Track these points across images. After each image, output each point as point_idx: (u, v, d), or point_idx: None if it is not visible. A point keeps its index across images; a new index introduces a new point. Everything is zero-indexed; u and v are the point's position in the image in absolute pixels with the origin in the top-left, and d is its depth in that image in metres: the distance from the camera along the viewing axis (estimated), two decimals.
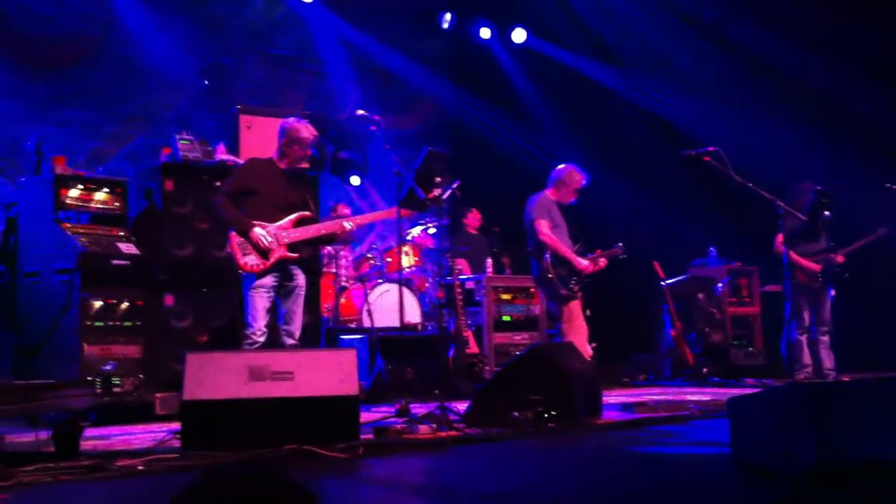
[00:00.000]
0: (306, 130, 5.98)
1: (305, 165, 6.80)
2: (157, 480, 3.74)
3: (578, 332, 6.98)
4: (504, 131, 11.89)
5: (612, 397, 6.69)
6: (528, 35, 11.95)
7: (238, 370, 4.47)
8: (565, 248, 7.04)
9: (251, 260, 5.76)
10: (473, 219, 9.59)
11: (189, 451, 4.20)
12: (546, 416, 4.99)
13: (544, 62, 12.00)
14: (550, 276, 6.94)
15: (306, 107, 10.39)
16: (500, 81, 12.21)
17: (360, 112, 6.34)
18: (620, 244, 7.36)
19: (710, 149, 6.73)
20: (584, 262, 7.04)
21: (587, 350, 6.95)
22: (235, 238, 5.78)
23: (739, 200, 8.20)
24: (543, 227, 7.04)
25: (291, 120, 6.08)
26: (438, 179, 6.01)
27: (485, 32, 11.98)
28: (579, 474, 3.81)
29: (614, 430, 5.14)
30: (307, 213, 6.00)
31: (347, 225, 6.13)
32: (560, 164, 7.44)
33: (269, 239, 5.75)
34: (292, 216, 5.90)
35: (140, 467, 3.87)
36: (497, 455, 4.40)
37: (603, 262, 7.21)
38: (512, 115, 12.10)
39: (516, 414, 4.97)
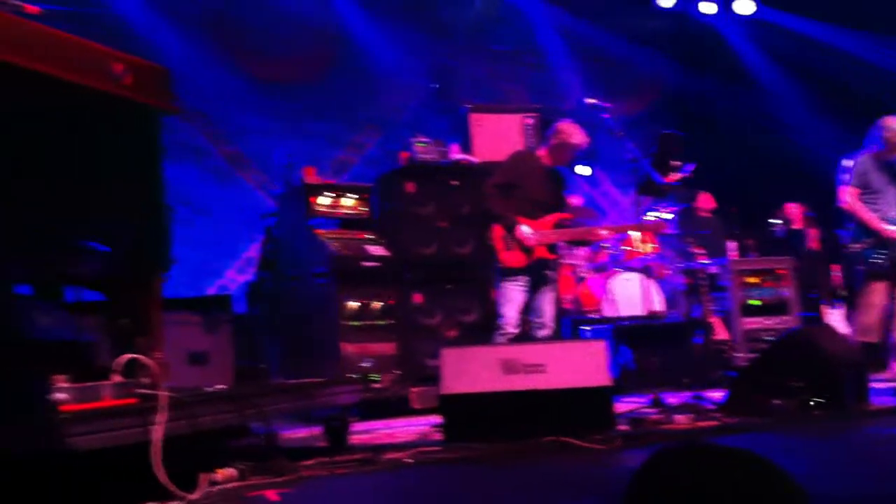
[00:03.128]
0: (579, 136, 5.95)
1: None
2: (425, 472, 3.87)
3: (866, 313, 6.53)
4: (735, 108, 11.42)
5: (878, 382, 6.25)
6: (757, 5, 11.41)
7: (491, 364, 4.57)
8: (869, 215, 6.50)
9: (513, 255, 5.84)
10: (705, 202, 9.27)
11: (452, 444, 4.32)
12: (811, 403, 4.74)
13: (776, 32, 11.42)
14: (854, 247, 6.54)
15: (529, 100, 10.47)
16: (727, 56, 11.76)
17: (590, 100, 6.27)
18: None
19: None
20: (890, 229, 6.56)
21: (873, 333, 6.47)
22: (499, 232, 5.87)
23: None
24: (846, 194, 6.58)
25: (566, 122, 6.04)
26: (676, 163, 5.85)
27: (707, 7, 11.56)
28: (866, 465, 3.56)
29: (890, 416, 4.79)
30: (567, 215, 6.01)
31: (603, 232, 6.14)
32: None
33: (535, 237, 5.81)
34: (553, 216, 5.92)
35: (408, 460, 4.02)
36: (762, 445, 4.19)
37: None
38: (743, 90, 11.60)
39: (778, 402, 4.76)
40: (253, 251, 8.56)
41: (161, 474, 3.04)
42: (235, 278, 8.85)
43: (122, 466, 3.09)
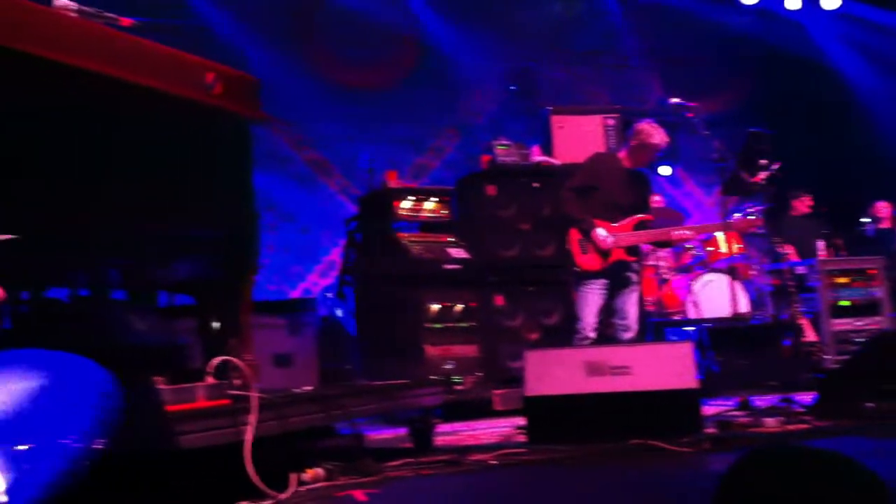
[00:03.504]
0: (658, 136, 5.83)
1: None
2: (511, 473, 3.88)
3: None
4: (822, 105, 11.15)
5: None
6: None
7: (576, 365, 4.55)
8: None
9: (589, 259, 5.79)
10: (803, 203, 9.05)
11: (536, 445, 4.32)
12: None
13: (864, 26, 11.13)
14: None
15: (610, 101, 10.38)
16: (813, 52, 11.50)
17: (675, 100, 6.19)
18: None
19: None
20: None
21: None
22: (576, 235, 5.83)
23: None
24: None
25: (645, 123, 5.93)
26: (763, 162, 5.74)
27: (792, 3, 11.31)
28: None
29: None
30: (648, 216, 5.93)
31: (686, 233, 6.02)
32: None
33: (612, 240, 5.74)
34: (632, 218, 5.85)
35: (493, 461, 4.03)
36: (854, 448, 4.08)
37: None
38: (829, 86, 11.33)
39: (870, 404, 4.63)
40: (335, 254, 8.70)
41: (253, 474, 3.10)
42: (318, 281, 9.00)
43: (214, 466, 3.17)
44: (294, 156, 9.29)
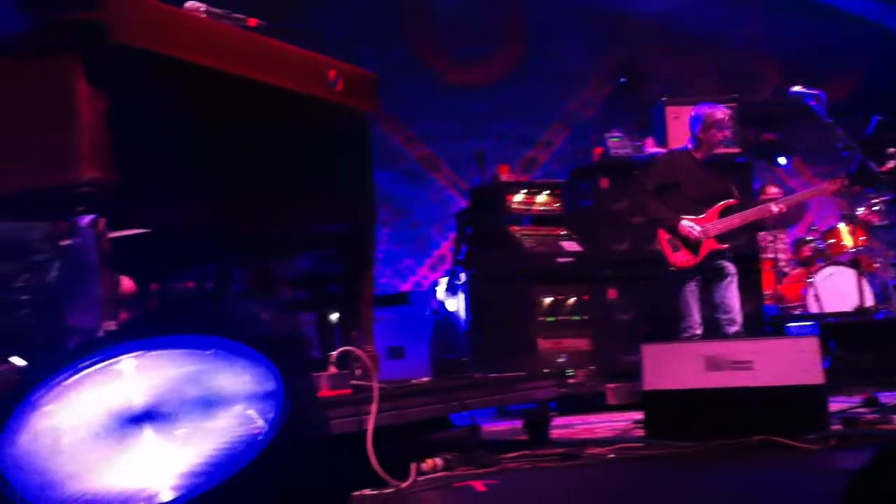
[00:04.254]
0: (720, 112, 5.84)
1: (722, 150, 6.63)
2: (629, 468, 3.84)
3: None
4: None
5: None
6: None
7: (694, 360, 4.46)
8: None
9: (681, 256, 5.75)
10: None
11: (654, 440, 4.27)
12: None
13: None
14: None
15: (722, 91, 10.14)
16: None
17: (797, 87, 6.02)
18: None
19: None
20: None
21: None
22: (664, 235, 5.82)
23: None
24: None
25: (703, 106, 5.95)
26: (891, 150, 5.55)
27: None
28: None
29: None
30: (732, 201, 5.84)
31: (774, 208, 5.88)
32: None
33: (699, 229, 5.68)
34: (716, 206, 5.78)
35: (610, 455, 3.99)
36: None
37: None
38: None
39: None
40: (445, 248, 8.77)
41: (375, 463, 3.15)
42: (428, 275, 9.08)
43: (336, 454, 3.23)
44: (406, 152, 9.41)
